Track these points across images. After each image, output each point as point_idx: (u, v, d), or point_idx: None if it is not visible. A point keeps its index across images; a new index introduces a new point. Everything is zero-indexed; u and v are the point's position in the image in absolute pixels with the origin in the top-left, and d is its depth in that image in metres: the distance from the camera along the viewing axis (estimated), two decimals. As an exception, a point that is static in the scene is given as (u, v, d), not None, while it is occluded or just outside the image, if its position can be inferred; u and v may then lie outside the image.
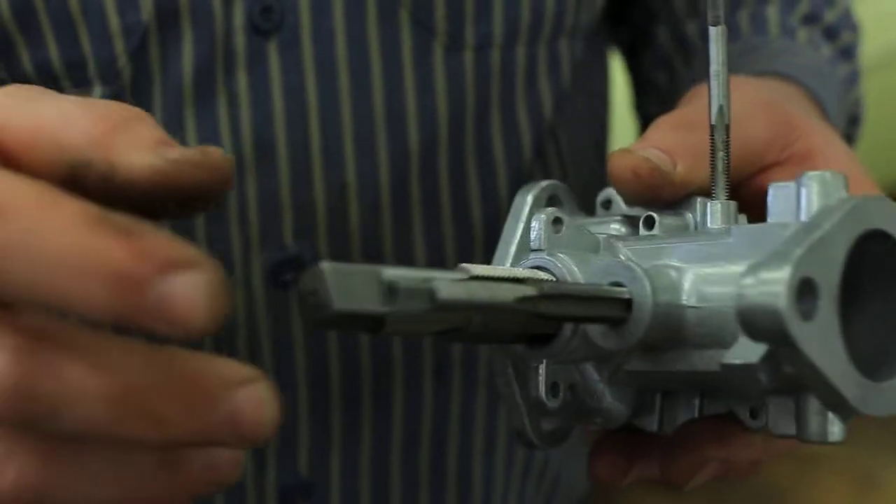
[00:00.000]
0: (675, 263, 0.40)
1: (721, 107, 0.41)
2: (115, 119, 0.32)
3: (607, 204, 0.46)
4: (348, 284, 0.31)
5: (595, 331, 0.39)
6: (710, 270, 0.39)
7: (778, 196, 0.40)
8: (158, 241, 0.28)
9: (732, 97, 0.42)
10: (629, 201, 0.45)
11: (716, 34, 0.41)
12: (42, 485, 0.30)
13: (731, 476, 0.43)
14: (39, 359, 0.28)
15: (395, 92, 0.55)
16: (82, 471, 0.30)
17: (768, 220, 0.40)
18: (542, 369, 0.42)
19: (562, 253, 0.41)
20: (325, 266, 0.31)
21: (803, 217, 0.39)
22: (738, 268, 0.38)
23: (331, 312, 0.31)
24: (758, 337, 0.34)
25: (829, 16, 0.66)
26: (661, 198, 0.43)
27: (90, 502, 0.30)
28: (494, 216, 0.59)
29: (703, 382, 0.41)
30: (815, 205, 0.38)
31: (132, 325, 0.28)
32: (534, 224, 0.42)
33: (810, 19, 0.65)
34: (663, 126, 0.46)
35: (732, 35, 0.61)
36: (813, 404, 0.39)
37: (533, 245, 0.41)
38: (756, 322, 0.33)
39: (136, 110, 0.34)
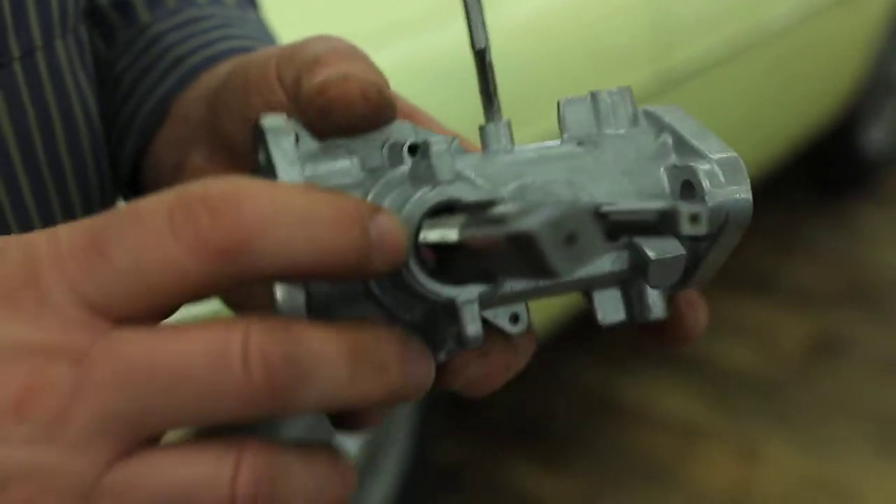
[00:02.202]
0: (558, 178, 0.41)
1: (485, 28, 0.42)
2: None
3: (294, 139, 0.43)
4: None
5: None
6: (600, 184, 0.41)
7: (573, 110, 0.43)
8: (353, 197, 0.34)
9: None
10: (333, 130, 0.42)
11: None
12: (274, 474, 0.33)
13: (479, 388, 0.42)
14: (290, 334, 0.32)
15: None
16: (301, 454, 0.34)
17: (567, 132, 0.43)
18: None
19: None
20: (589, 206, 0.29)
21: (609, 128, 0.43)
22: (621, 178, 0.41)
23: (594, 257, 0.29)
24: (729, 229, 0.40)
25: None
26: (378, 122, 0.42)
27: (312, 488, 0.34)
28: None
29: (575, 289, 0.43)
30: (621, 115, 0.43)
31: (363, 271, 0.34)
32: (435, 154, 0.38)
33: None
34: (337, 56, 0.44)
35: None
36: (636, 288, 0.42)
37: (442, 176, 0.38)
38: (735, 218, 0.40)
39: None
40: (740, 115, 2.76)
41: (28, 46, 0.51)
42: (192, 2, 0.61)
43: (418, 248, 0.37)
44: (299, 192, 0.33)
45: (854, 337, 2.98)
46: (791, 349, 2.91)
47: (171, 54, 0.57)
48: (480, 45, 0.42)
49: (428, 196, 0.37)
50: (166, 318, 0.34)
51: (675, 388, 2.72)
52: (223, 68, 0.53)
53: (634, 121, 0.43)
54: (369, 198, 0.39)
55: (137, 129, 0.57)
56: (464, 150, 0.43)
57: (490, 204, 0.34)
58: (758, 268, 3.30)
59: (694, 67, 2.44)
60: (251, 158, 0.46)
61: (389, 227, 0.34)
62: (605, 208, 0.32)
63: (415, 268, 0.37)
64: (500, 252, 0.31)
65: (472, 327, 0.38)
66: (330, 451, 0.35)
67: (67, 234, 0.33)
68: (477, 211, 0.34)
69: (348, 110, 0.41)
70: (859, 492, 2.39)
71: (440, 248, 0.36)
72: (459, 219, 0.34)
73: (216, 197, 0.32)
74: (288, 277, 0.33)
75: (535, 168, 0.41)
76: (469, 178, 0.39)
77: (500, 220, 0.31)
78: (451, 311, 0.38)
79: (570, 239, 0.29)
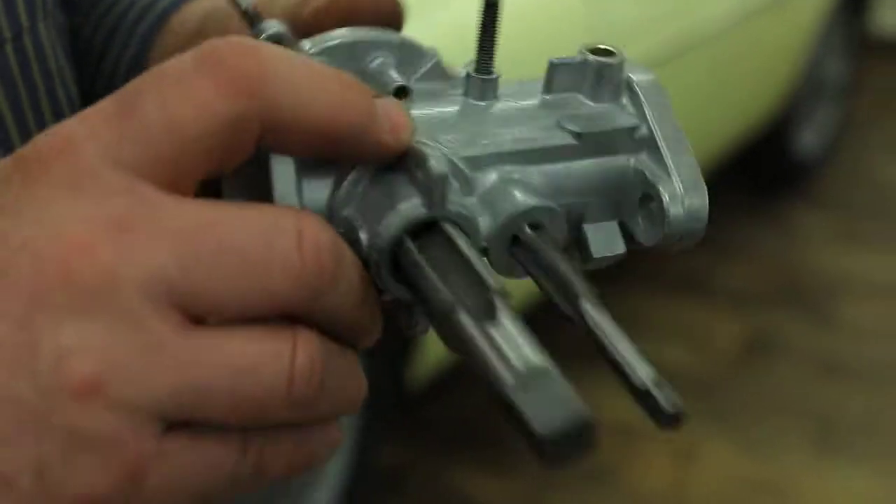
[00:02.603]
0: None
1: None
2: None
3: (277, 41, 0.43)
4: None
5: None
6: (572, 179, 0.41)
7: (561, 71, 0.43)
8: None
9: None
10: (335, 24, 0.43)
11: None
12: (325, 355, 0.33)
13: None
14: (334, 231, 0.34)
15: None
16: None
17: (551, 93, 0.43)
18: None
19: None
20: (591, 418, 0.31)
21: (592, 98, 0.42)
22: (592, 167, 0.41)
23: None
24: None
25: None
26: (384, 17, 0.43)
27: (347, 376, 0.35)
28: None
29: None
30: (606, 86, 0.42)
31: (372, 138, 0.35)
32: (434, 176, 0.37)
33: None
34: None
35: None
36: None
37: (435, 197, 0.38)
38: (688, 239, 0.41)
39: None
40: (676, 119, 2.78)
41: (17, 28, 0.51)
42: None
43: (395, 251, 0.36)
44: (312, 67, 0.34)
45: (788, 337, 3.02)
46: (726, 349, 2.94)
47: (137, 6, 0.57)
48: None
49: (416, 212, 0.36)
50: (203, 178, 0.34)
51: (612, 389, 2.73)
52: (193, 11, 0.53)
53: (616, 94, 0.43)
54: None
55: (119, 87, 0.57)
56: (444, 72, 0.43)
57: (479, 280, 0.34)
58: (692, 269, 3.33)
59: (631, 71, 2.46)
60: None
61: (393, 106, 0.35)
62: (607, 345, 0.35)
63: (384, 267, 0.37)
64: (484, 380, 0.32)
65: (423, 326, 0.39)
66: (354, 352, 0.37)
67: (95, 108, 0.33)
68: (464, 280, 0.34)
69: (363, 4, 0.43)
70: (796, 490, 2.42)
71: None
72: (440, 284, 0.34)
73: (238, 41, 0.33)
74: (301, 138, 0.34)
75: (514, 158, 0.40)
76: (458, 199, 0.38)
77: (501, 380, 0.32)
78: (407, 307, 0.39)
79: (569, 441, 0.30)
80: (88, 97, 0.59)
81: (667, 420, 0.33)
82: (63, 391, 0.30)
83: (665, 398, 0.34)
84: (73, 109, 0.56)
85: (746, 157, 3.73)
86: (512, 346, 0.32)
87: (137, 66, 0.55)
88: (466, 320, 0.33)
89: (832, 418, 2.68)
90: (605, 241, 0.41)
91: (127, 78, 0.56)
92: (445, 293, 0.34)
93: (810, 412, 2.70)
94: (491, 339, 0.32)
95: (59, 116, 0.54)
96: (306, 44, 0.42)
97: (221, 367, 0.31)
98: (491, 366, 0.32)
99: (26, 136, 0.52)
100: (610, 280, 3.17)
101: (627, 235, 0.42)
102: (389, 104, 0.35)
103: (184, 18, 0.53)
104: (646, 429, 2.61)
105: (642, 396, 0.34)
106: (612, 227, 0.42)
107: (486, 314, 0.33)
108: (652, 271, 3.27)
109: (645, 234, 0.41)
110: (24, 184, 0.32)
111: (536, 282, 0.38)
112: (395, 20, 0.43)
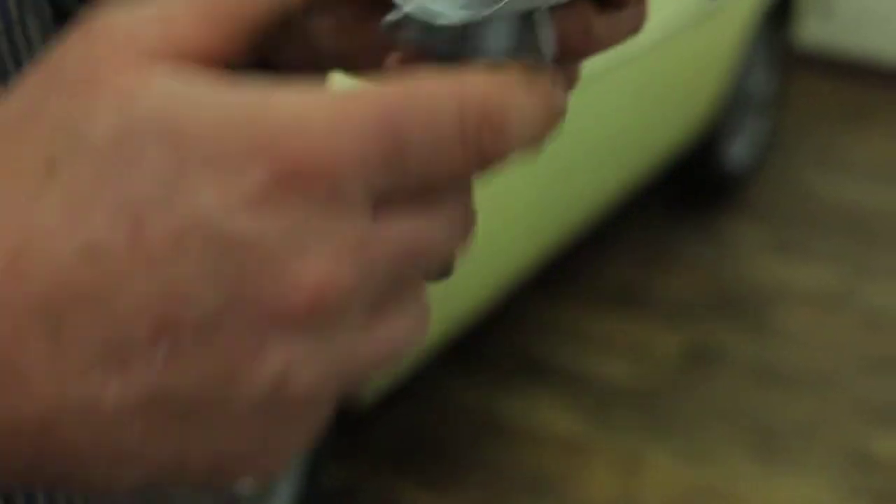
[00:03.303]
0: None
1: None
2: None
3: None
4: None
5: None
6: None
7: None
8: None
9: None
10: None
11: None
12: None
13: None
14: None
15: None
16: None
17: None
18: None
19: None
20: None
21: None
22: None
23: None
24: None
25: None
26: None
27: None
28: None
29: None
30: None
31: None
32: None
33: None
34: None
35: None
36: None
37: None
38: None
39: None
40: (609, 134, 2.81)
41: (7, 20, 0.52)
42: None
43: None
44: (539, 98, 0.34)
45: (726, 346, 3.06)
46: (666, 360, 2.97)
47: None
48: None
49: None
50: None
51: (554, 404, 2.75)
52: None
53: None
54: None
55: None
56: None
57: None
58: (627, 281, 3.36)
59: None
60: None
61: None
62: None
63: None
64: None
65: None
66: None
67: (360, 109, 0.31)
68: None
69: None
70: (739, 497, 2.45)
71: None
72: None
73: (496, 108, 0.33)
74: None
75: None
76: None
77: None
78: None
79: None
80: None
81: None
82: (284, 399, 0.32)
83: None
84: None
85: (678, 169, 3.78)
86: None
87: None
88: None
89: (772, 425, 2.72)
90: None
91: None
92: None
93: (750, 420, 2.73)
94: None
95: None
96: None
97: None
98: None
99: None
100: (548, 295, 3.19)
101: None
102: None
103: None
104: (590, 441, 2.63)
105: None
106: None
107: None
108: (589, 285, 3.30)
109: None
110: (280, 190, 0.31)
111: None
112: None
